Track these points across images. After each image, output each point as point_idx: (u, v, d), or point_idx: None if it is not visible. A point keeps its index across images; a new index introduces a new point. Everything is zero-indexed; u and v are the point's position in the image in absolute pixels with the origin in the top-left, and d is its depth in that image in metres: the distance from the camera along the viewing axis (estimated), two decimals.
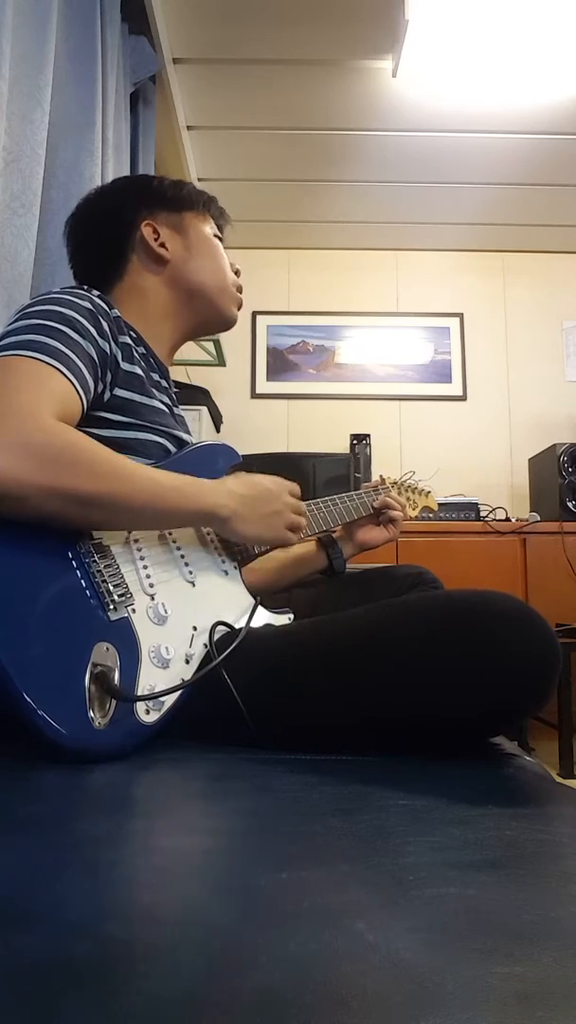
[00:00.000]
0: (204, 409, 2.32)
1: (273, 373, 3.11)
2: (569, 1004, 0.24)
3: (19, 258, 1.13)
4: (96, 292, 0.82)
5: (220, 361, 2.75)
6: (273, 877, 0.35)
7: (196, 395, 2.38)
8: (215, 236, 0.99)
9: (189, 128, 2.35)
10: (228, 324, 1.01)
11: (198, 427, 2.23)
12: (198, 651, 0.73)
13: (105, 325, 0.79)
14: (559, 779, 1.41)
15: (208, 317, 0.98)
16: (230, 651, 0.70)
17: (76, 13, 1.44)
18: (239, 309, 1.01)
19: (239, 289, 1.01)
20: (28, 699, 0.56)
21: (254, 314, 3.09)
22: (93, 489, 0.64)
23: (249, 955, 0.27)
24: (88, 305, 0.78)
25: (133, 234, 0.93)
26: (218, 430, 2.65)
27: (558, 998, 0.25)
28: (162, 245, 0.93)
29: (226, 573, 0.84)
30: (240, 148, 2.48)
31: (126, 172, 1.80)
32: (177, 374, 0.93)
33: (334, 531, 1.10)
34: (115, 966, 0.26)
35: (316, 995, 0.25)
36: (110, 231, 0.94)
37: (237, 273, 1.01)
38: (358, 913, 0.31)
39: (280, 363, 3.12)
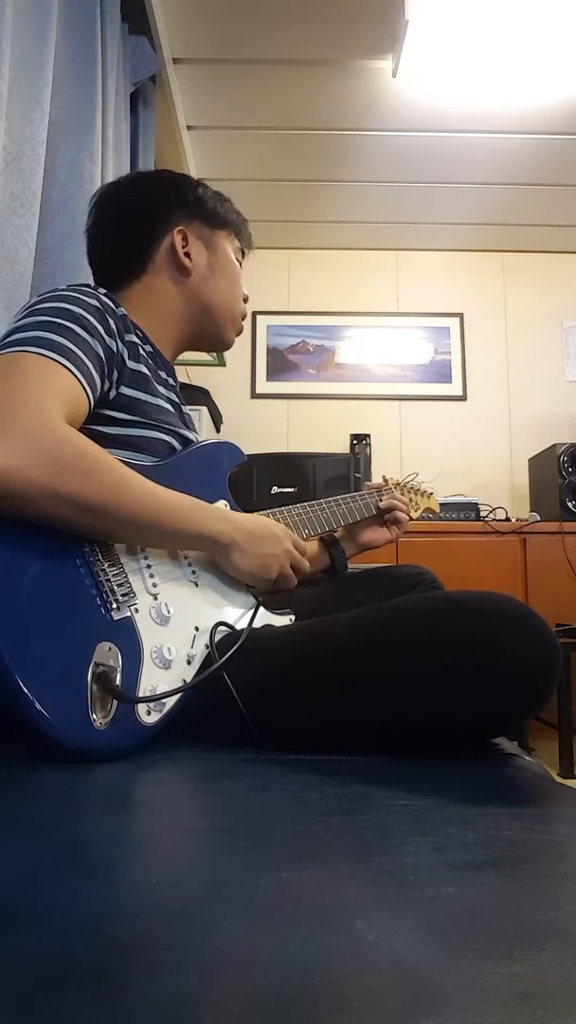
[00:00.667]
0: (204, 409, 2.33)
1: (273, 373, 3.11)
2: (569, 1004, 0.24)
3: (19, 258, 1.13)
4: (103, 290, 0.82)
5: (220, 361, 2.75)
6: (273, 877, 0.35)
7: (196, 395, 2.38)
8: (238, 259, 0.99)
9: (189, 128, 2.35)
10: (223, 347, 1.03)
11: (198, 427, 2.23)
12: (200, 652, 0.73)
13: (112, 323, 0.79)
14: (559, 779, 1.41)
15: (209, 335, 0.98)
16: (232, 653, 0.70)
17: (76, 13, 1.44)
18: (239, 334, 1.02)
19: (244, 316, 1.02)
20: (30, 698, 0.56)
21: (254, 314, 3.09)
22: (97, 498, 0.64)
23: (249, 955, 0.27)
24: (95, 303, 0.78)
25: (163, 236, 0.92)
26: (218, 430, 2.65)
27: (558, 998, 0.25)
28: (187, 255, 0.93)
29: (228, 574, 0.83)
30: (240, 148, 2.48)
31: (126, 172, 1.80)
32: (177, 374, 0.93)
33: (336, 531, 1.10)
34: (115, 966, 0.26)
35: (316, 995, 0.25)
36: (141, 225, 0.93)
37: (245, 300, 1.02)
38: (358, 913, 0.31)
39: (280, 363, 3.12)
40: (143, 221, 0.93)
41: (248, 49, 2.01)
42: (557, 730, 2.05)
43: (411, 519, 1.15)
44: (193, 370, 2.83)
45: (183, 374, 2.78)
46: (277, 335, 3.13)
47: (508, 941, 0.29)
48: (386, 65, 2.05)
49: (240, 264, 1.01)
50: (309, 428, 3.06)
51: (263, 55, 2.03)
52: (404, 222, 2.94)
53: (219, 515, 0.78)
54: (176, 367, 0.99)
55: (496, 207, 2.81)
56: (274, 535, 0.83)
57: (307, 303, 3.15)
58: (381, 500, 1.11)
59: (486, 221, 2.91)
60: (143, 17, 1.83)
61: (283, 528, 0.86)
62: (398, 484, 1.19)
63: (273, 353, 3.12)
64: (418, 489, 1.25)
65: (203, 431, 2.27)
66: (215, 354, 2.69)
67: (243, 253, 1.02)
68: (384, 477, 1.18)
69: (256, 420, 3.06)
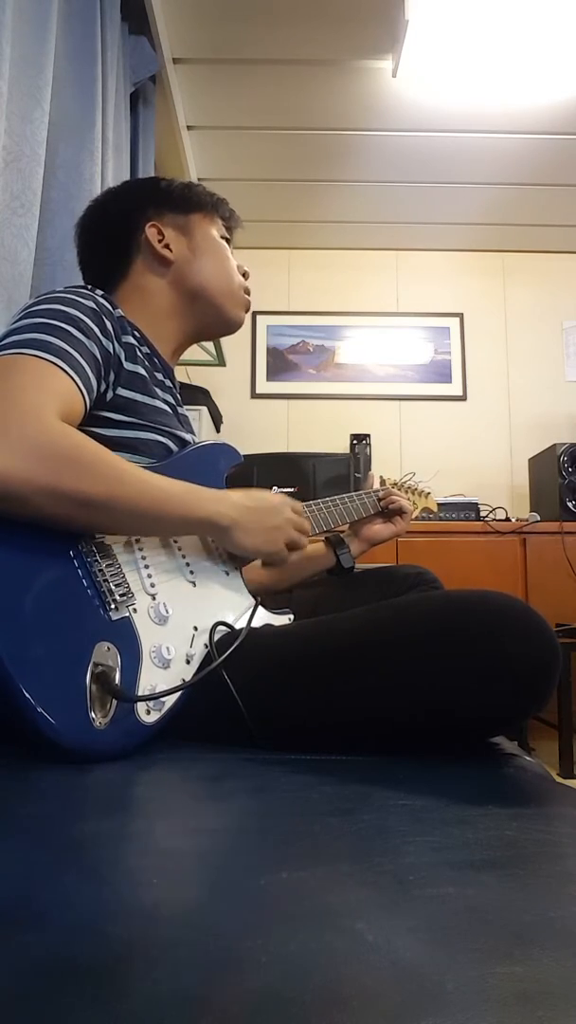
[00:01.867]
0: (204, 409, 2.33)
1: (273, 373, 3.11)
2: (569, 1004, 0.24)
3: (19, 258, 1.13)
4: (100, 292, 0.82)
5: (220, 361, 2.75)
6: (273, 877, 0.35)
7: (196, 395, 2.38)
8: (223, 238, 0.99)
9: (189, 128, 2.35)
10: (232, 327, 1.00)
11: (198, 427, 2.23)
12: (199, 651, 0.73)
13: (109, 325, 0.79)
14: (559, 779, 1.41)
15: (212, 319, 0.97)
16: (231, 652, 0.70)
17: (76, 13, 1.44)
18: (247, 311, 1.00)
19: (247, 291, 1.00)
20: (29, 698, 0.56)
21: (254, 314, 3.09)
22: (95, 492, 0.64)
23: (249, 955, 0.27)
24: (92, 304, 0.78)
25: (138, 235, 0.93)
26: (218, 430, 2.65)
27: (558, 998, 0.25)
28: (166, 246, 0.93)
29: (227, 573, 0.84)
30: (240, 148, 2.48)
31: (126, 172, 1.80)
32: (177, 374, 0.92)
33: (341, 530, 1.10)
34: (115, 966, 0.26)
35: (316, 995, 0.25)
36: (116, 232, 0.94)
37: (245, 275, 1.00)
38: (358, 913, 0.31)
39: (280, 363, 3.12)
40: (116, 228, 0.94)
41: (248, 49, 2.01)
42: (557, 730, 2.05)
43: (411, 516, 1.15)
44: (193, 370, 2.82)
45: (183, 374, 2.79)
46: (277, 335, 3.13)
47: (508, 941, 0.29)
48: (386, 65, 2.05)
49: (229, 241, 1.00)
50: (309, 428, 3.06)
51: (263, 55, 2.03)
52: (404, 222, 2.94)
53: (215, 496, 0.77)
54: (176, 367, 0.99)
55: (496, 207, 2.81)
56: (273, 506, 0.83)
57: (307, 303, 3.15)
58: (380, 495, 1.11)
59: (486, 221, 2.91)
60: (143, 17, 1.82)
61: (279, 496, 0.86)
62: (395, 484, 1.19)
63: (273, 353, 3.12)
64: (415, 489, 1.25)
65: (203, 431, 2.27)
66: (215, 354, 2.69)
67: (229, 231, 1.01)
68: (381, 478, 1.18)
69: (256, 420, 3.06)
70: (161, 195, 0.96)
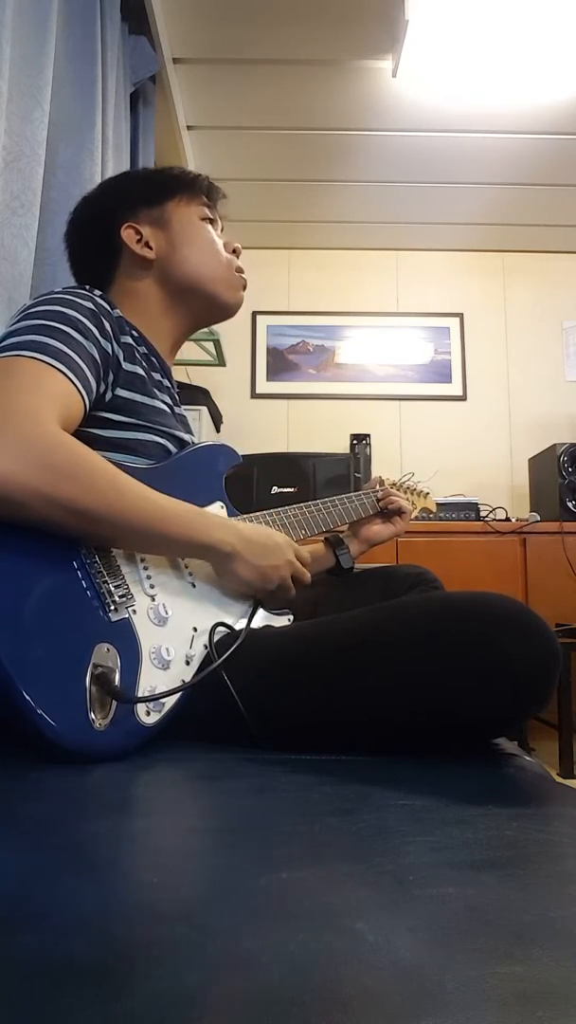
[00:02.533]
0: (204, 409, 2.32)
1: (273, 373, 3.11)
2: (569, 1004, 0.24)
3: (19, 258, 1.12)
4: (98, 292, 0.82)
5: (220, 361, 2.75)
6: (273, 877, 0.35)
7: (196, 395, 2.37)
8: (205, 219, 0.96)
9: (189, 128, 2.35)
10: (230, 310, 0.97)
11: (198, 427, 2.23)
12: (198, 652, 0.73)
13: (107, 325, 0.78)
14: (559, 779, 1.41)
15: (206, 308, 0.96)
16: (230, 653, 0.70)
17: (76, 13, 1.44)
18: (244, 290, 0.98)
19: (239, 270, 0.97)
20: (29, 700, 0.56)
21: (254, 314, 3.09)
22: (92, 503, 0.64)
23: (249, 955, 0.27)
24: (90, 305, 0.78)
25: (117, 239, 0.92)
26: (218, 430, 2.65)
27: (558, 998, 0.25)
28: (146, 245, 0.92)
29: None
30: (240, 148, 2.48)
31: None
32: (177, 374, 0.92)
33: (340, 531, 1.10)
34: (115, 966, 0.26)
35: (316, 995, 0.25)
36: (96, 238, 0.94)
37: (236, 252, 0.97)
38: (358, 913, 0.31)
39: (280, 363, 3.12)
40: (96, 234, 0.94)
41: (248, 49, 2.01)
42: (557, 730, 2.05)
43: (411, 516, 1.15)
44: (193, 370, 2.82)
45: (183, 374, 2.79)
46: (277, 335, 3.13)
47: (508, 941, 0.29)
48: (386, 65, 2.05)
49: (212, 220, 0.97)
50: (309, 428, 3.06)
51: (263, 55, 2.03)
52: (404, 222, 2.94)
53: (220, 524, 0.76)
54: (176, 367, 0.99)
55: (496, 207, 2.81)
56: (277, 545, 0.81)
57: (307, 303, 3.15)
58: (379, 496, 1.11)
59: (486, 221, 2.91)
60: (143, 17, 1.82)
61: (285, 538, 0.84)
62: (394, 484, 1.19)
63: (273, 353, 3.12)
64: (414, 489, 1.24)
65: (203, 431, 2.27)
66: (215, 354, 2.69)
67: (209, 207, 0.97)
68: (380, 478, 1.18)
69: (256, 420, 3.06)
70: (132, 191, 0.95)
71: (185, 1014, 0.23)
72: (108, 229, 0.93)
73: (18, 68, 1.13)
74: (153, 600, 0.71)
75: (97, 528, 0.66)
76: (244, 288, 0.98)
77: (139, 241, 0.92)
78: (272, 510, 0.94)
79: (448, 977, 0.25)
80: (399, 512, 1.10)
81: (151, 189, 0.95)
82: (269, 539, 0.81)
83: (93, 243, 0.95)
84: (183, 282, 0.93)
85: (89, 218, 0.96)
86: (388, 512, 1.11)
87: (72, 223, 0.98)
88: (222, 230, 1.00)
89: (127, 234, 0.92)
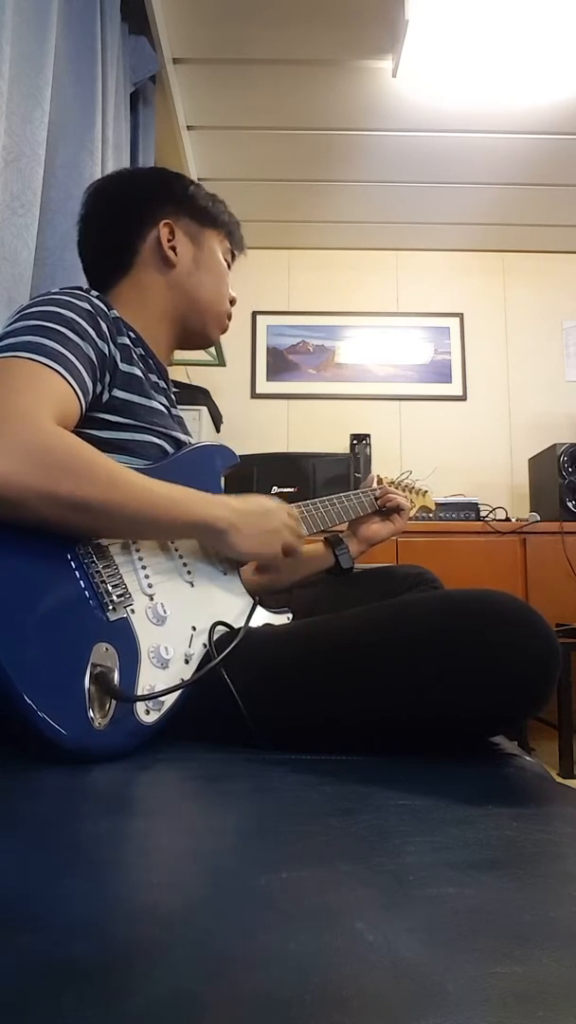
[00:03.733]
0: (204, 409, 2.32)
1: (273, 373, 3.11)
2: (569, 1004, 0.24)
3: (19, 258, 1.12)
4: (95, 293, 0.82)
5: (220, 361, 2.75)
6: (273, 877, 0.35)
7: (196, 395, 2.37)
8: (226, 260, 1.00)
9: (189, 128, 2.35)
10: (207, 344, 1.03)
11: (198, 427, 2.23)
12: (197, 651, 0.73)
13: (104, 326, 0.78)
14: (559, 779, 1.41)
15: (195, 331, 0.98)
16: (229, 651, 0.70)
17: (76, 13, 1.44)
18: (223, 333, 1.02)
19: (229, 317, 1.01)
20: (28, 700, 0.56)
21: (254, 314, 3.09)
22: (90, 496, 0.64)
23: (249, 955, 0.27)
24: (87, 306, 0.78)
25: (150, 228, 0.93)
26: (218, 430, 2.65)
27: (558, 998, 0.25)
28: (172, 248, 0.93)
29: (224, 573, 0.83)
30: (240, 148, 2.48)
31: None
32: (177, 374, 0.93)
33: (340, 531, 1.10)
34: (115, 966, 0.26)
35: (316, 995, 0.25)
36: (128, 216, 0.94)
37: (232, 302, 1.01)
38: (358, 913, 0.31)
39: (280, 363, 3.12)
40: (130, 212, 0.94)
41: (248, 49, 2.01)
42: (557, 730, 2.05)
43: (408, 517, 1.15)
44: (193, 370, 2.82)
45: (183, 374, 2.79)
46: (277, 335, 3.13)
47: (508, 941, 0.29)
48: (386, 65, 2.05)
49: (229, 265, 1.01)
50: (309, 428, 3.06)
51: (263, 55, 2.03)
52: (404, 222, 2.94)
53: (212, 500, 0.77)
54: (176, 367, 0.99)
55: (496, 207, 2.81)
56: (268, 510, 0.83)
57: (307, 303, 3.15)
58: (377, 494, 1.11)
59: (486, 221, 2.91)
60: (143, 17, 1.82)
61: (275, 500, 0.86)
62: (393, 483, 1.19)
63: (273, 353, 3.12)
64: (413, 487, 1.24)
65: (203, 431, 2.27)
66: (215, 354, 2.69)
67: (233, 255, 1.03)
68: (378, 476, 1.18)
69: (256, 420, 3.05)
70: (185, 197, 0.96)
71: (185, 1014, 0.23)
72: (144, 213, 0.93)
73: (18, 68, 1.13)
74: (151, 599, 0.71)
75: (96, 521, 0.67)
76: (224, 332, 1.03)
77: (169, 241, 0.93)
78: None
79: (448, 977, 0.25)
80: (397, 510, 1.10)
81: (203, 209, 0.97)
82: (260, 506, 0.83)
83: (121, 218, 0.94)
84: (190, 300, 0.95)
85: (130, 193, 0.95)
86: (386, 510, 1.11)
87: (109, 186, 0.96)
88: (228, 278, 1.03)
89: (164, 230, 0.92)
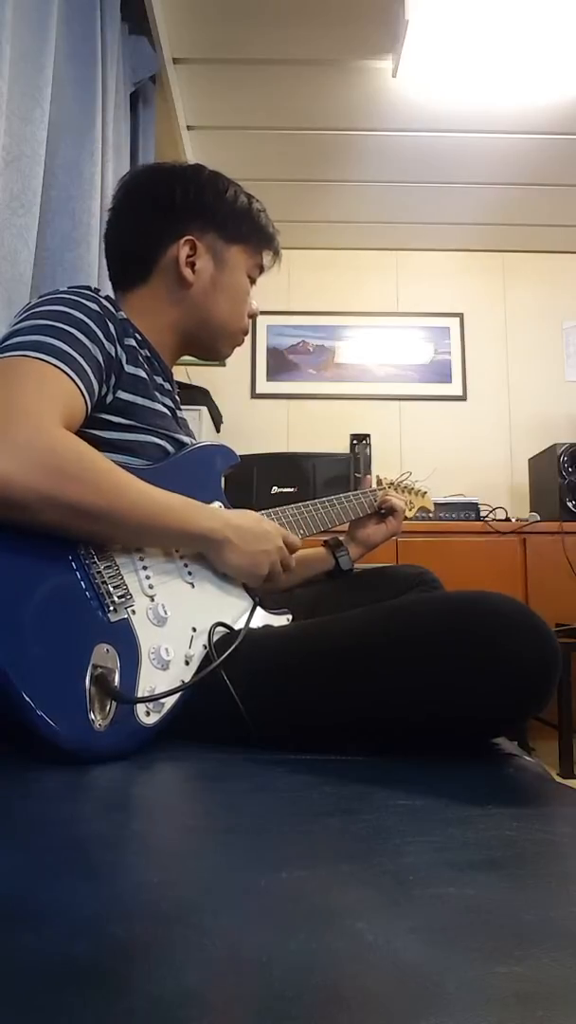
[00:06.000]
0: (204, 409, 2.32)
1: (273, 373, 3.11)
2: (569, 1004, 0.24)
3: (19, 258, 1.12)
4: (103, 294, 0.82)
5: (220, 361, 2.74)
6: (273, 877, 0.35)
7: (196, 395, 2.37)
8: (251, 276, 0.96)
9: (189, 128, 2.35)
10: (218, 359, 1.03)
11: (198, 427, 2.23)
12: (198, 652, 0.73)
13: (111, 328, 0.78)
14: (559, 779, 1.41)
15: (205, 348, 0.97)
16: (230, 652, 0.70)
17: (76, 13, 1.44)
18: (235, 348, 1.00)
19: (245, 332, 0.98)
20: (29, 701, 0.56)
21: None
22: (94, 503, 0.64)
23: (249, 955, 0.27)
24: (95, 307, 0.77)
25: (171, 242, 0.89)
26: (218, 430, 2.65)
27: (558, 998, 0.25)
28: (192, 265, 0.89)
29: (224, 574, 0.83)
30: (240, 148, 2.48)
31: (126, 172, 1.79)
32: (177, 374, 0.92)
33: (340, 531, 1.10)
34: (115, 966, 0.26)
35: (316, 995, 0.25)
36: (151, 226, 0.90)
37: (253, 317, 0.98)
38: (358, 913, 0.31)
39: (280, 363, 3.11)
40: (154, 222, 0.90)
41: (248, 49, 2.01)
42: (557, 730, 2.05)
43: (407, 518, 1.15)
44: (193, 370, 2.82)
45: (183, 374, 2.79)
46: (277, 335, 3.13)
47: (508, 941, 0.29)
48: (386, 65, 2.05)
49: (254, 280, 0.98)
50: (309, 428, 3.06)
51: (263, 55, 2.03)
52: (404, 222, 2.93)
53: (212, 513, 0.78)
54: (176, 367, 0.99)
55: (496, 207, 2.81)
56: (266, 532, 0.84)
57: (307, 303, 3.15)
58: (378, 494, 1.11)
59: (486, 221, 2.91)
60: (143, 17, 1.82)
61: (274, 525, 0.86)
62: (392, 484, 1.19)
63: (273, 353, 3.12)
64: (412, 488, 1.24)
65: (203, 431, 2.27)
66: None
67: (261, 269, 0.98)
68: (377, 477, 1.18)
69: (256, 420, 3.05)
70: (216, 211, 0.91)
71: (185, 1014, 0.23)
72: (169, 226, 0.89)
73: (18, 68, 1.13)
74: (152, 600, 0.71)
75: (98, 527, 0.67)
76: (238, 346, 1.00)
77: (189, 258, 0.89)
78: (270, 509, 0.95)
79: (448, 977, 0.25)
80: (392, 511, 1.10)
81: (232, 222, 0.92)
82: (258, 526, 0.83)
83: (147, 227, 0.90)
84: (203, 321, 0.92)
85: (158, 198, 0.90)
86: (383, 512, 1.11)
87: (147, 177, 0.93)
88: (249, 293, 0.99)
89: (184, 248, 0.88)
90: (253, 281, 0.98)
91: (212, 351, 0.98)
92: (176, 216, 0.90)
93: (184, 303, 0.91)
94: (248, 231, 0.94)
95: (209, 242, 0.91)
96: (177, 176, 0.92)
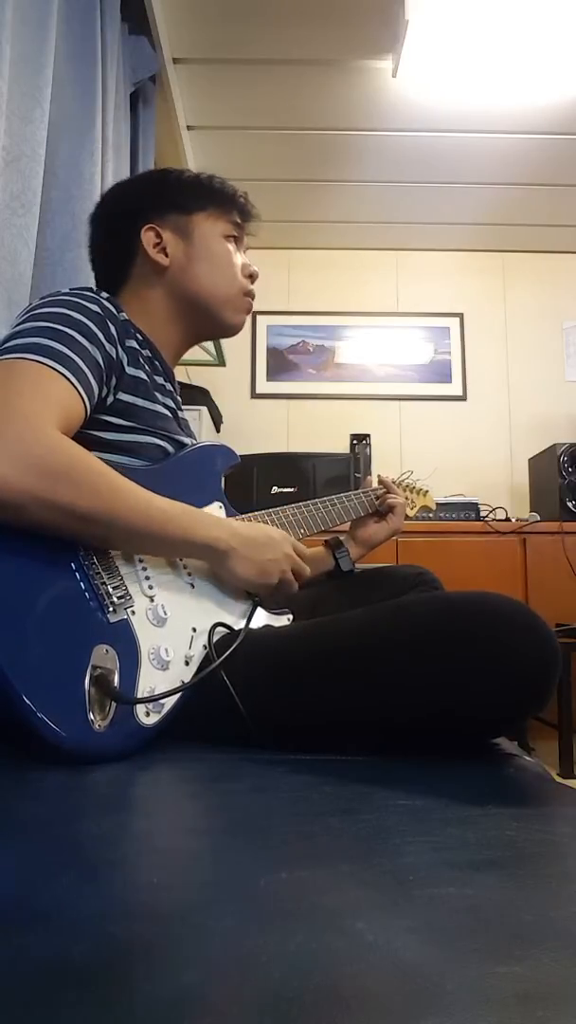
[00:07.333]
0: (204, 409, 2.32)
1: (273, 373, 3.10)
2: (569, 1004, 0.24)
3: (19, 258, 1.12)
4: (105, 295, 0.82)
5: (220, 361, 2.75)
6: (273, 877, 0.35)
7: (196, 395, 2.37)
8: (229, 236, 0.95)
9: (189, 128, 2.35)
10: (229, 332, 0.98)
11: (198, 427, 2.23)
12: (198, 652, 0.73)
13: (113, 329, 0.78)
14: (559, 779, 1.41)
15: (209, 326, 0.96)
16: (230, 653, 0.70)
17: (76, 13, 1.44)
18: (248, 313, 0.98)
19: (250, 294, 0.97)
20: (28, 702, 0.56)
21: (254, 314, 3.08)
22: (91, 507, 0.64)
23: (249, 955, 0.27)
24: (97, 308, 0.77)
25: (136, 239, 0.91)
26: (218, 430, 2.65)
27: (558, 998, 0.25)
28: (162, 250, 0.91)
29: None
30: (240, 148, 2.48)
31: (126, 172, 1.79)
32: (177, 374, 0.92)
33: (340, 531, 1.10)
34: (115, 966, 0.26)
35: (316, 995, 0.25)
36: (118, 232, 0.93)
37: (252, 277, 0.97)
38: (358, 913, 0.31)
39: (280, 363, 3.11)
40: (118, 228, 0.93)
41: (248, 49, 2.01)
42: (557, 730, 2.05)
43: (408, 518, 1.15)
44: (193, 370, 2.82)
45: (183, 374, 2.78)
46: (277, 335, 3.13)
47: (508, 941, 0.29)
48: (386, 65, 2.04)
49: (237, 238, 0.97)
50: (309, 428, 3.06)
51: (263, 55, 2.03)
52: (404, 222, 2.93)
53: (216, 522, 0.77)
54: (176, 367, 0.99)
55: (496, 207, 2.81)
56: (272, 539, 0.82)
57: (307, 303, 3.15)
58: (378, 494, 1.10)
59: (486, 221, 2.91)
60: (143, 17, 1.82)
61: (281, 532, 0.85)
62: (393, 482, 1.19)
63: (273, 353, 3.12)
64: (413, 487, 1.24)
65: (203, 431, 2.27)
66: (215, 354, 2.69)
67: (241, 227, 0.98)
68: (379, 476, 1.18)
69: (256, 420, 3.05)
70: (166, 192, 0.93)
71: (185, 1014, 0.23)
72: (129, 225, 0.92)
73: (18, 68, 1.13)
74: (152, 601, 0.71)
75: (95, 531, 0.66)
76: (249, 311, 0.98)
77: (156, 245, 0.91)
78: (270, 509, 0.94)
79: (448, 977, 0.25)
80: (391, 509, 1.10)
81: (185, 195, 0.93)
82: (264, 534, 0.82)
83: (113, 235, 0.94)
84: (190, 297, 0.92)
85: (114, 211, 0.95)
86: (383, 510, 1.10)
87: (101, 206, 0.97)
88: (246, 250, 0.99)
89: (147, 236, 0.91)
90: (238, 241, 0.97)
91: (218, 326, 0.96)
92: (131, 219, 0.92)
93: (167, 286, 0.92)
94: (203, 196, 0.95)
95: (171, 222, 0.92)
96: (127, 187, 0.99)
